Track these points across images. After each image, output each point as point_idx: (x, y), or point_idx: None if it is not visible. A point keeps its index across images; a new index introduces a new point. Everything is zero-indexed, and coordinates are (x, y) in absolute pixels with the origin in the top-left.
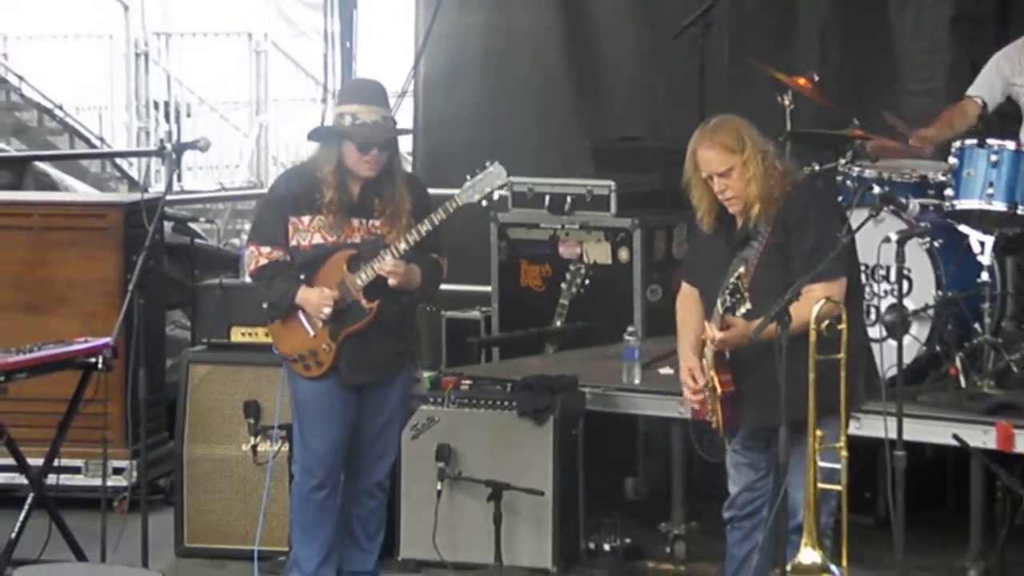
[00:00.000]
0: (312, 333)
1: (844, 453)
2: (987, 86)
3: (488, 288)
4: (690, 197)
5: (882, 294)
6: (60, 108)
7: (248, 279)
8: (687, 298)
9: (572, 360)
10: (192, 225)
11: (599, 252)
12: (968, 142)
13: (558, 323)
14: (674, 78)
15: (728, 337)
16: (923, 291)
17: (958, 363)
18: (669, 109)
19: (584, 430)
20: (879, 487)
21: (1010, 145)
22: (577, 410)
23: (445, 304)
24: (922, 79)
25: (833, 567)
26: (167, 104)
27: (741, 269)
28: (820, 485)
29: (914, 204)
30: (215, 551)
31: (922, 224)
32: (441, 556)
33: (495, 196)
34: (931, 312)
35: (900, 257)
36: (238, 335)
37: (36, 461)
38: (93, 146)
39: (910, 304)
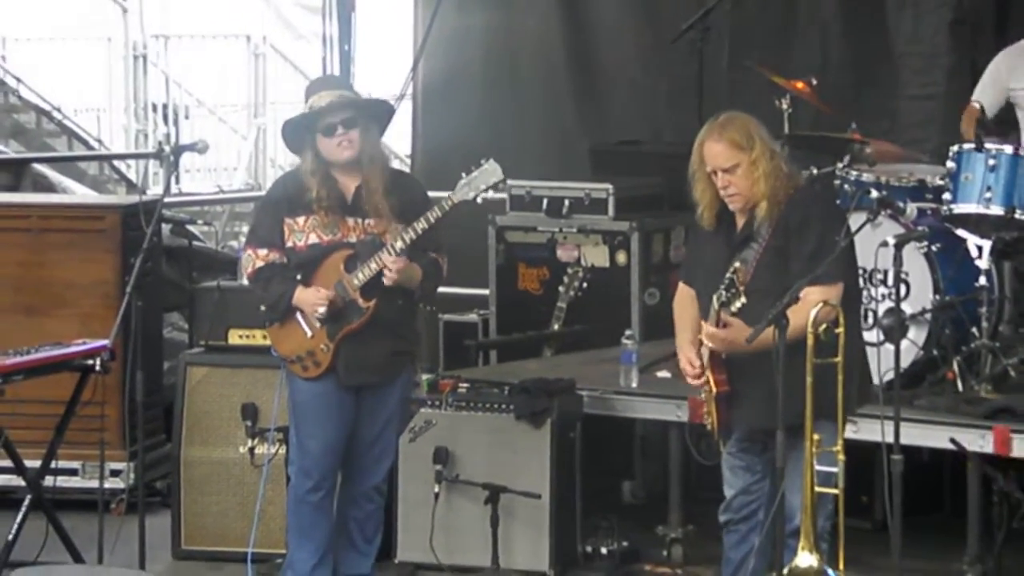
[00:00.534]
0: (310, 334)
1: (841, 457)
2: (987, 91)
3: (486, 291)
4: (692, 191)
5: (880, 298)
6: (58, 110)
7: (246, 282)
8: (684, 297)
9: (570, 363)
10: (190, 227)
11: (597, 255)
12: (966, 146)
13: (556, 326)
14: (675, 81)
15: (724, 336)
16: (921, 295)
17: (955, 367)
18: (670, 112)
19: (581, 433)
20: (876, 491)
21: (1008, 149)
22: (574, 413)
23: (443, 307)
24: (921, 83)
25: (830, 571)
26: (165, 106)
27: (737, 264)
28: (817, 489)
29: (912, 208)
30: (212, 553)
31: (920, 228)
32: (438, 559)
33: (490, 193)
34: (928, 316)
35: (898, 261)
36: (236, 337)
37: (33, 463)
38: (91, 148)
39: (908, 308)
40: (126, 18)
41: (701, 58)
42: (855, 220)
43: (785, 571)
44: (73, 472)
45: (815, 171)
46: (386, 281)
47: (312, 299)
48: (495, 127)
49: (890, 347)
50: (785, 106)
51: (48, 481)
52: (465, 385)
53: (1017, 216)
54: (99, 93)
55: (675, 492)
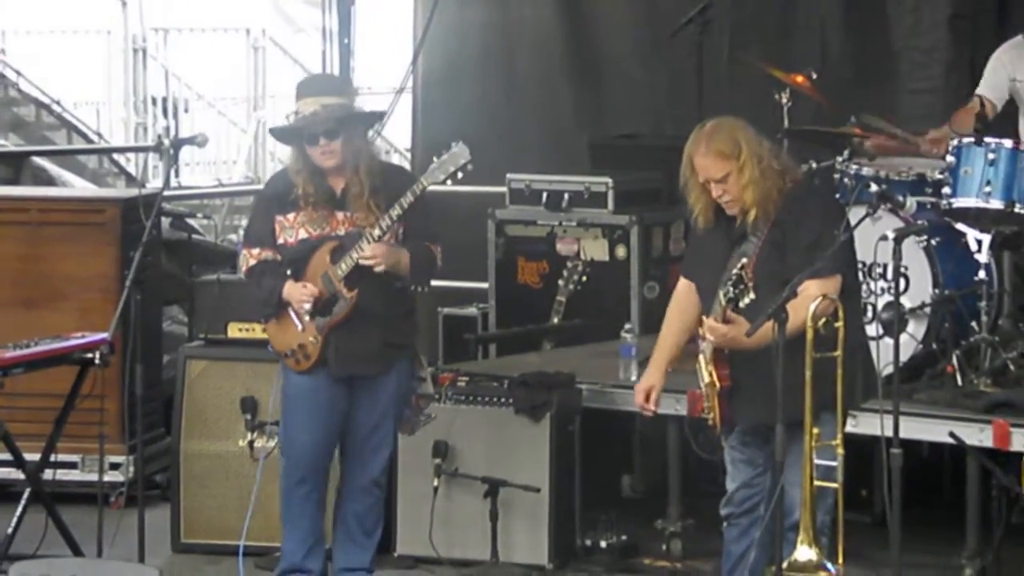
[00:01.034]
0: (301, 327)
1: (841, 451)
2: (995, 84)
3: (485, 284)
4: (687, 198)
5: (879, 292)
6: (58, 103)
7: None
8: (682, 294)
9: (569, 357)
10: (190, 221)
11: (596, 249)
12: (965, 140)
13: (555, 320)
14: (674, 75)
15: (726, 332)
16: (920, 289)
17: (955, 361)
18: (670, 106)
19: (581, 427)
20: (875, 485)
21: (1007, 143)
22: (574, 407)
23: (442, 300)
24: (921, 77)
25: (829, 565)
26: (165, 100)
27: (744, 260)
28: (817, 483)
29: (911, 202)
30: (211, 546)
31: (919, 222)
32: (437, 552)
33: (459, 176)
34: (928, 310)
35: (897, 255)
36: (235, 331)
37: (33, 456)
38: (91, 141)
39: (907, 302)
40: (125, 11)
41: (700, 52)
42: (855, 214)
43: (785, 565)
44: (73, 465)
45: (814, 165)
46: (374, 269)
47: (298, 294)
48: (495, 120)
49: (889, 341)
50: (785, 100)
51: (48, 474)
52: (464, 379)
53: (1017, 210)
54: (98, 86)
55: (674, 486)
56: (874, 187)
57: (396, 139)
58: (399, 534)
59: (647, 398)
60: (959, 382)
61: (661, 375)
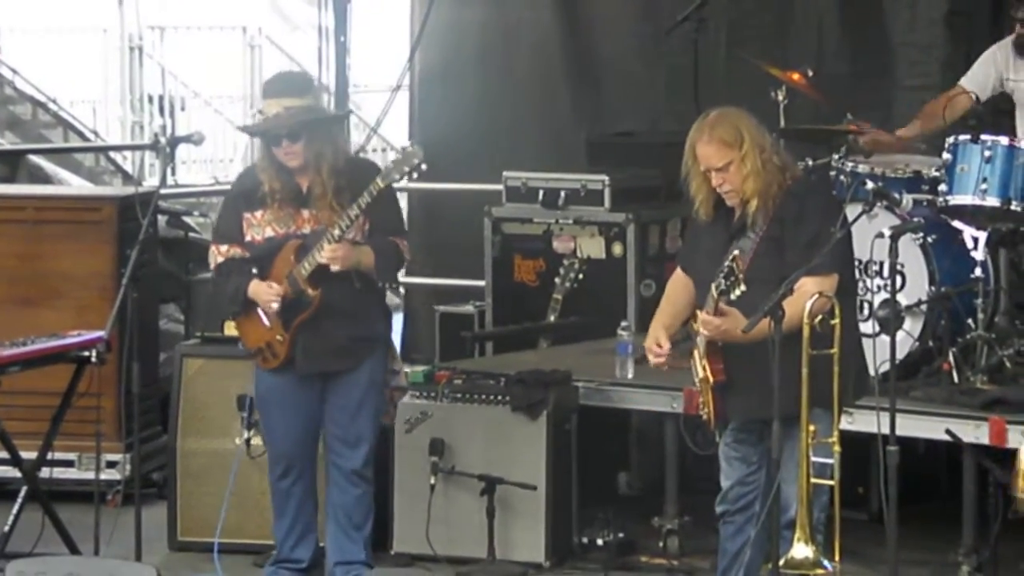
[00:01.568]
0: (268, 325)
1: (837, 448)
2: (980, 80)
3: (482, 282)
4: (688, 187)
5: (875, 289)
6: (54, 101)
7: None
8: (677, 283)
9: (566, 355)
10: (186, 219)
11: (593, 247)
12: (962, 137)
13: (552, 318)
14: (671, 72)
15: (720, 325)
16: (916, 286)
17: (951, 358)
18: (667, 103)
19: (577, 425)
20: (872, 482)
21: (1003, 140)
22: (570, 405)
23: (439, 298)
24: (917, 74)
25: (825, 562)
26: (161, 98)
27: (736, 252)
28: (813, 480)
29: (907, 199)
30: (208, 544)
31: (915, 219)
32: (434, 550)
33: (415, 175)
34: (924, 307)
35: (893, 252)
36: (231, 329)
37: (29, 454)
38: (87, 139)
39: (903, 299)
40: (121, 9)
41: (697, 49)
42: (851, 211)
43: (781, 562)
44: (69, 464)
45: (810, 162)
46: (332, 268)
47: (264, 294)
48: (491, 118)
49: (886, 338)
50: (781, 97)
51: (44, 472)
52: (461, 377)
53: (1013, 207)
54: (95, 84)
55: (671, 483)
56: (870, 184)
57: (392, 137)
58: (396, 532)
59: (659, 345)
60: (955, 379)
61: (663, 330)
